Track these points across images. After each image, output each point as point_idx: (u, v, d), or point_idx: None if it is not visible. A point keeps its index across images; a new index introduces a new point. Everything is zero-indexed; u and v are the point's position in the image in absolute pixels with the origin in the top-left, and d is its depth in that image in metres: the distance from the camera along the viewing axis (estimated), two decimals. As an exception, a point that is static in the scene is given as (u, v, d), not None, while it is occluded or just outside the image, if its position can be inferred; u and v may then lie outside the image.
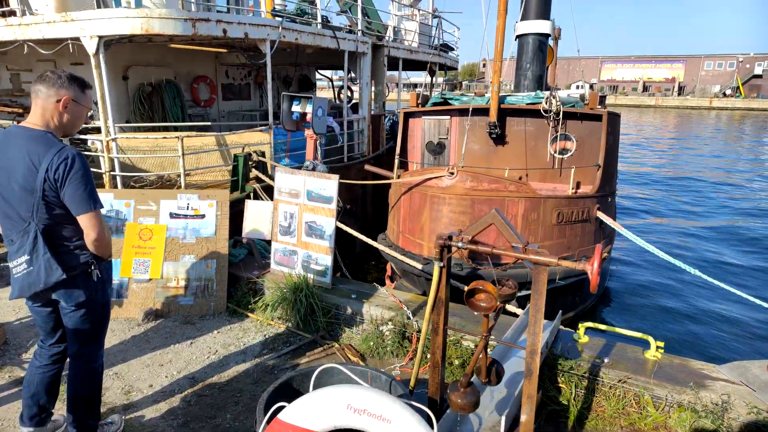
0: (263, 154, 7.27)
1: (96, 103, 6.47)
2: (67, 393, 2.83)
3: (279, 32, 7.77)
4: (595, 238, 6.83)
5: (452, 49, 14.98)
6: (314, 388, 2.62)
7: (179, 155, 6.68)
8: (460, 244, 2.57)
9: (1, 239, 6.18)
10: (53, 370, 2.86)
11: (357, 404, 2.14)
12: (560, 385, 3.51)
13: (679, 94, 75.54)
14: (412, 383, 3.20)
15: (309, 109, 5.91)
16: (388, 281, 7.72)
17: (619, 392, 3.40)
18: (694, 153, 28.81)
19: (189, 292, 4.76)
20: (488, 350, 2.65)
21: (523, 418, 2.52)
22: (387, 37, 11.54)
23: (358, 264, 9.10)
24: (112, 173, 6.78)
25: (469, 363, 3.64)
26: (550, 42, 9.90)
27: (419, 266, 5.85)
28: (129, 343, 4.24)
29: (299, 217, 5.06)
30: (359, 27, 10.16)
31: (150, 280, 4.73)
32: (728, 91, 72.22)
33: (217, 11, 10.93)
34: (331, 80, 16.24)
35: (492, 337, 2.93)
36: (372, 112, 10.84)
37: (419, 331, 4.14)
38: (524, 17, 8.69)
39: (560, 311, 3.97)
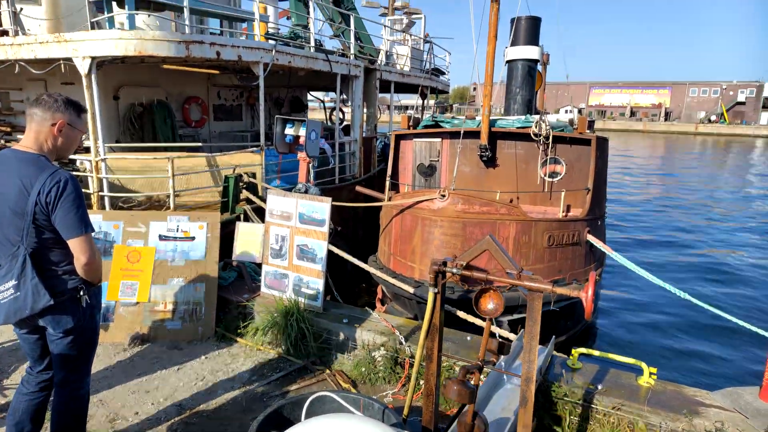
0: (254, 175, 7.25)
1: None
2: (51, 421, 2.74)
3: (272, 55, 7.85)
4: (586, 261, 6.87)
5: (443, 73, 15.22)
6: (306, 416, 2.57)
7: (169, 176, 6.64)
8: (454, 270, 2.56)
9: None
10: (40, 398, 2.77)
11: (350, 436, 2.08)
12: (554, 412, 3.47)
13: (665, 120, 77.20)
14: (405, 411, 3.14)
15: (302, 132, 5.93)
16: (378, 304, 7.66)
17: (614, 419, 3.37)
18: (686, 175, 29.30)
19: (177, 316, 4.67)
20: (482, 376, 2.62)
21: (518, 448, 2.47)
22: (379, 61, 11.70)
23: (348, 286, 9.03)
24: (100, 194, 6.71)
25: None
26: (539, 67, 10.11)
27: (411, 290, 5.82)
28: (115, 368, 4.13)
29: (291, 240, 5.02)
30: (352, 51, 10.29)
31: (137, 303, 4.64)
32: (713, 117, 74.01)
33: (211, 33, 11.04)
34: (322, 102, 16.37)
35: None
36: (364, 134, 10.91)
37: (412, 357, 4.09)
38: (514, 43, 8.89)
39: (553, 336, 3.95)
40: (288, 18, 13.51)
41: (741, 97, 74.42)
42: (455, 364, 3.87)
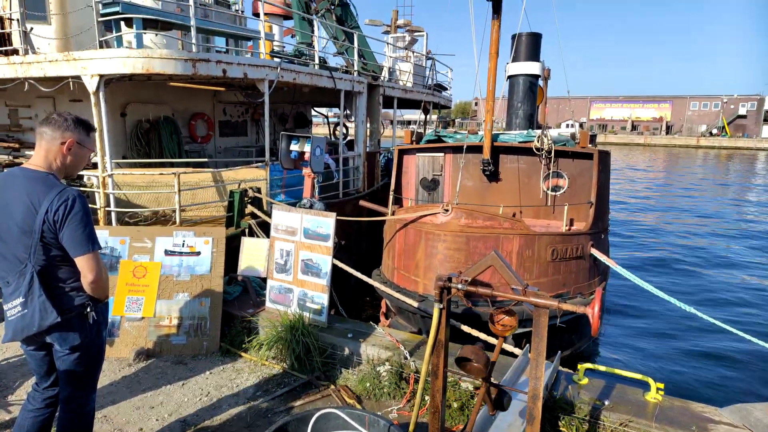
0: (259, 190, 7.30)
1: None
2: (55, 438, 2.74)
3: (277, 72, 7.95)
4: (590, 274, 6.86)
5: (445, 89, 15.37)
6: (312, 433, 2.57)
7: (175, 191, 6.70)
8: (459, 286, 2.57)
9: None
10: (45, 414, 2.77)
11: (357, 452, 2.08)
12: (561, 428, 3.45)
13: (667, 133, 77.38)
14: (411, 428, 3.12)
15: (307, 148, 5.99)
16: (382, 318, 7.64)
17: (621, 436, 3.34)
18: (689, 188, 29.28)
19: (182, 331, 4.68)
20: (491, 395, 2.62)
21: (525, 465, 2.46)
22: (382, 77, 11.84)
23: (352, 299, 9.03)
24: (107, 209, 6.77)
25: (468, 406, 3.58)
26: (540, 82, 10.21)
27: (415, 304, 5.82)
28: (119, 383, 4.13)
29: (295, 255, 5.04)
30: (355, 68, 10.42)
31: (142, 318, 4.65)
32: (714, 131, 74.15)
33: (216, 51, 11.21)
34: (326, 117, 16.51)
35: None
36: (367, 149, 10.99)
37: (416, 372, 4.08)
38: (515, 59, 8.99)
39: (559, 352, 3.94)
40: (293, 36, 13.71)
41: (742, 111, 74.65)
42: (461, 380, 3.85)
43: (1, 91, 9.61)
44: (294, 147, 6.26)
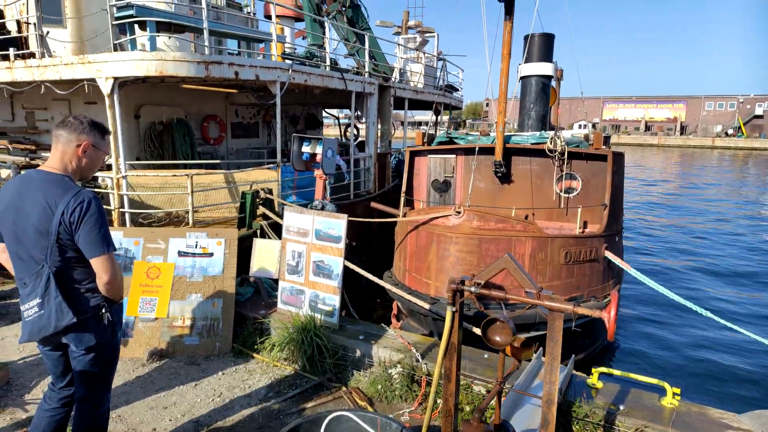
0: (270, 192, 7.33)
1: (109, 142, 6.60)
2: (70, 438, 2.77)
3: (289, 74, 7.98)
4: (604, 277, 6.78)
5: (456, 90, 15.32)
6: (324, 436, 2.56)
7: (188, 192, 6.76)
8: (473, 289, 2.55)
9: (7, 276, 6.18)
10: (61, 414, 2.80)
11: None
12: (575, 433, 3.41)
13: (681, 134, 76.40)
14: (423, 431, 3.11)
15: (319, 149, 6.00)
16: (394, 320, 7.63)
17: (637, 442, 3.29)
18: (704, 189, 28.88)
19: (195, 331, 4.71)
20: (502, 398, 2.59)
21: (539, 470, 2.43)
22: (393, 78, 11.83)
23: (363, 300, 9.02)
24: (121, 210, 6.84)
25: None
26: (553, 83, 10.13)
27: (426, 306, 5.79)
28: (133, 384, 4.17)
29: (307, 256, 5.05)
30: (366, 69, 10.43)
31: (156, 319, 4.69)
32: (730, 131, 73.04)
33: (228, 53, 11.29)
34: (337, 118, 16.55)
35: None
36: (378, 150, 10.99)
37: (428, 375, 4.06)
38: (527, 60, 8.93)
39: (573, 355, 3.90)
40: (304, 38, 13.76)
41: (759, 111, 73.46)
42: (473, 383, 3.83)
43: (18, 94, 9.77)
44: (306, 149, 6.28)
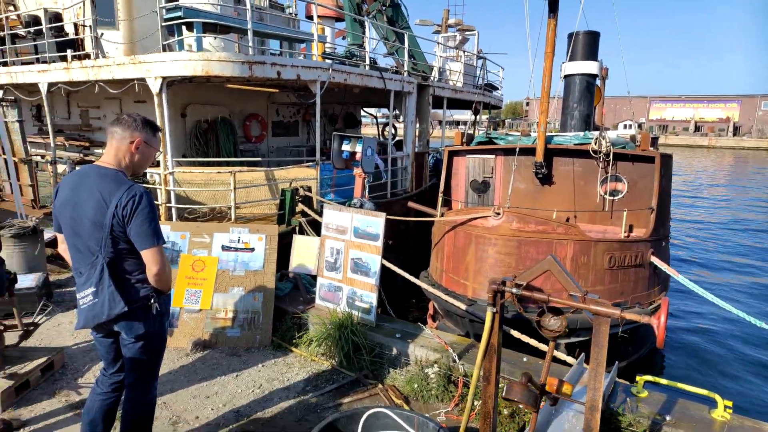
0: (309, 189, 7.44)
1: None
2: (121, 422, 2.89)
3: (329, 74, 8.07)
4: (650, 284, 6.54)
5: (496, 89, 15.11)
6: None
7: (231, 189, 6.94)
8: (514, 290, 2.51)
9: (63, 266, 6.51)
10: (112, 398, 2.93)
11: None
12: (617, 442, 3.31)
13: (734, 135, 72.69)
14: (460, 432, 3.08)
15: (359, 148, 6.04)
16: (429, 320, 7.60)
17: (684, 455, 3.16)
18: (759, 194, 27.42)
19: (236, 324, 4.83)
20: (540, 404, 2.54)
21: (581, 478, 2.37)
22: (432, 77, 11.78)
23: (398, 300, 9.03)
24: (168, 205, 7.09)
25: (518, 414, 3.50)
26: (598, 82, 9.83)
27: (464, 307, 5.74)
28: (177, 372, 4.32)
29: (345, 254, 5.10)
30: (405, 68, 10.42)
31: (200, 310, 4.84)
32: (789, 133, 69.01)
33: (271, 53, 11.51)
34: (375, 117, 16.62)
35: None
36: (416, 150, 10.97)
37: (465, 376, 4.03)
38: (572, 58, 8.70)
39: (616, 362, 3.78)
40: (343, 38, 13.88)
41: (822, 111, 69.13)
42: (511, 386, 3.76)
43: (74, 93, 10.28)
44: (345, 147, 6.34)
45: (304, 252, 5.55)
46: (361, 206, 5.49)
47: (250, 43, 7.15)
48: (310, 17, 13.47)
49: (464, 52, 14.24)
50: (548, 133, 7.38)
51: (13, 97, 10.16)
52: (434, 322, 7.44)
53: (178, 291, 4.84)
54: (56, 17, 9.74)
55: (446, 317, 6.98)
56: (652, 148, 7.14)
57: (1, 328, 3.90)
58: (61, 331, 5.00)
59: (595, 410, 2.35)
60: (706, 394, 3.49)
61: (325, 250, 5.26)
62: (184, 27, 7.71)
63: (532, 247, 5.89)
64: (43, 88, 9.23)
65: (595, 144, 6.92)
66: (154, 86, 7.03)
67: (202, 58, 6.85)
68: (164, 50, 7.46)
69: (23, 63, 10.20)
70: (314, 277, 5.48)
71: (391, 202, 9.51)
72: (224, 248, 5.05)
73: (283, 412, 3.80)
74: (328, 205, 5.38)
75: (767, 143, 65.65)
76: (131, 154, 2.71)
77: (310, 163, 8.24)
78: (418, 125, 11.26)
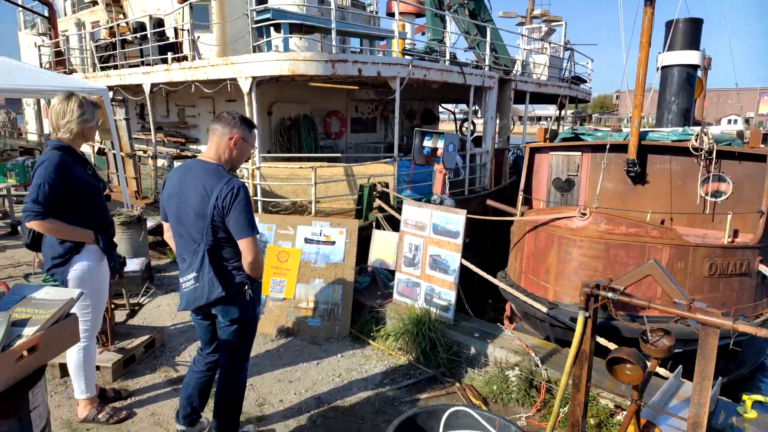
0: (387, 185, 7.51)
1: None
2: (214, 399, 3.10)
3: (409, 70, 8.09)
4: (756, 294, 5.94)
5: (584, 81, 14.36)
6: (443, 429, 2.57)
7: (312, 184, 7.18)
8: (611, 295, 2.37)
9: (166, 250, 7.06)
10: (207, 377, 3.15)
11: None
12: (720, 465, 3.04)
13: None
14: (543, 438, 2.98)
15: (440, 144, 6.01)
16: (506, 322, 7.41)
17: (800, 486, 2.84)
18: None
19: (317, 314, 5.00)
20: (639, 419, 2.39)
21: (681, 500, 2.20)
22: (515, 71, 11.43)
23: (475, 299, 8.89)
24: (254, 198, 7.47)
25: (606, 425, 3.33)
26: (699, 73, 9.04)
27: (544, 310, 5.54)
28: (263, 356, 4.55)
29: (424, 250, 5.09)
30: (487, 62, 10.20)
31: (284, 299, 5.06)
32: None
33: (351, 51, 11.74)
34: (453, 113, 16.43)
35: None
36: (495, 146, 10.72)
37: (549, 381, 3.88)
38: (670, 48, 8.06)
39: (719, 378, 3.47)
40: (423, 33, 13.83)
41: None
42: (599, 395, 3.58)
43: (173, 93, 11.11)
44: (427, 143, 6.33)
45: (382, 247, 5.62)
46: (441, 203, 5.46)
47: (334, 42, 7.33)
48: (390, 14, 13.57)
49: (550, 43, 13.67)
50: (642, 129, 6.91)
51: (121, 97, 11.18)
52: (511, 323, 7.24)
53: (265, 280, 5.08)
54: (159, 23, 10.57)
55: (524, 319, 6.77)
56: (762, 146, 6.47)
57: (113, 306, 4.31)
58: (161, 312, 5.44)
59: (699, 427, 2.17)
60: (828, 422, 3.11)
61: (403, 245, 5.29)
62: (272, 28, 8.07)
63: (623, 250, 5.54)
64: (147, 89, 10.06)
65: (696, 140, 6.38)
66: (245, 86, 7.43)
67: (288, 58, 7.13)
68: (254, 51, 7.86)
69: (130, 66, 11.18)
70: (392, 272, 5.53)
71: (469, 199, 9.37)
72: (307, 240, 5.23)
73: (362, 402, 3.88)
74: (407, 201, 5.40)
75: None
76: (230, 149, 2.87)
77: (388, 160, 8.32)
78: (498, 121, 10.98)
